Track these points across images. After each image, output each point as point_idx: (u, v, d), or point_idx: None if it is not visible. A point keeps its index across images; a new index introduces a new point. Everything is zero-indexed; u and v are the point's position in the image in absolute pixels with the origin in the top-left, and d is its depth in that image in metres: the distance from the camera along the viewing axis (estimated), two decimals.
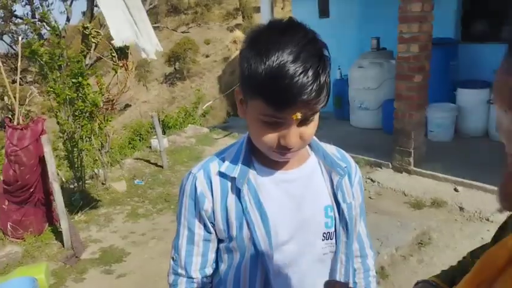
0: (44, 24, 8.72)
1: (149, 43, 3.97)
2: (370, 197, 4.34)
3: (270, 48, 0.79)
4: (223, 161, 0.99)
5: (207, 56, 15.74)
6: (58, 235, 3.96)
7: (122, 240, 3.99)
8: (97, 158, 5.15)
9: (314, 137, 1.05)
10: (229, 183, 0.96)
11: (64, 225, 3.76)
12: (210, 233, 0.99)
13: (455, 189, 4.23)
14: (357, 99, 6.54)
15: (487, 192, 4.06)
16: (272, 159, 0.95)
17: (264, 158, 0.96)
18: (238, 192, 0.95)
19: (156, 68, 15.83)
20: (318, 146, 1.04)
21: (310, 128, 0.88)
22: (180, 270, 1.01)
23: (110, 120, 5.13)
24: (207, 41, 16.35)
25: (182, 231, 1.01)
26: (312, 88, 0.78)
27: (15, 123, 4.06)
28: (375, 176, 4.80)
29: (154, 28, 5.54)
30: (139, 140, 8.04)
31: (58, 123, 4.60)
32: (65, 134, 4.64)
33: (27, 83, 10.94)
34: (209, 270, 1.03)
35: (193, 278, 1.01)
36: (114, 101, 5.14)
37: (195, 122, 8.83)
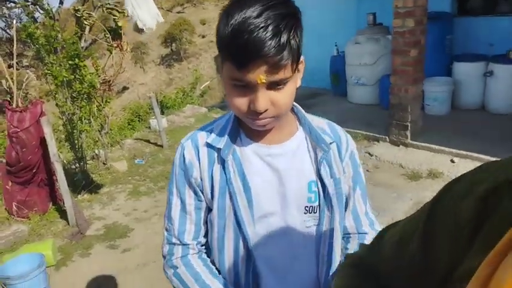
0: (37, 7, 8.62)
1: (148, 14, 3.94)
2: (368, 170, 4.42)
3: (236, 9, 0.79)
4: (211, 132, 1.00)
5: (203, 37, 15.60)
6: (62, 214, 4.04)
7: (125, 217, 4.08)
8: (97, 139, 5.20)
9: (301, 110, 1.04)
10: (216, 154, 0.98)
11: (68, 203, 3.83)
12: (200, 201, 1.01)
13: (452, 161, 4.31)
14: (354, 75, 6.54)
15: (482, 162, 4.12)
16: (258, 133, 0.97)
17: (250, 131, 0.98)
18: (223, 163, 0.96)
19: (152, 50, 15.70)
20: (304, 119, 1.03)
21: (283, 94, 0.86)
22: (174, 240, 1.02)
23: (109, 102, 5.16)
24: (202, 21, 16.16)
25: (175, 201, 1.02)
26: (271, 44, 0.77)
27: (14, 105, 4.09)
28: (373, 150, 4.87)
29: None
30: (139, 121, 8.08)
31: (57, 105, 4.62)
32: (64, 116, 4.67)
33: (23, 67, 10.86)
34: (202, 240, 1.05)
35: (188, 245, 1.02)
36: (111, 82, 5.16)
37: (193, 102, 8.84)
